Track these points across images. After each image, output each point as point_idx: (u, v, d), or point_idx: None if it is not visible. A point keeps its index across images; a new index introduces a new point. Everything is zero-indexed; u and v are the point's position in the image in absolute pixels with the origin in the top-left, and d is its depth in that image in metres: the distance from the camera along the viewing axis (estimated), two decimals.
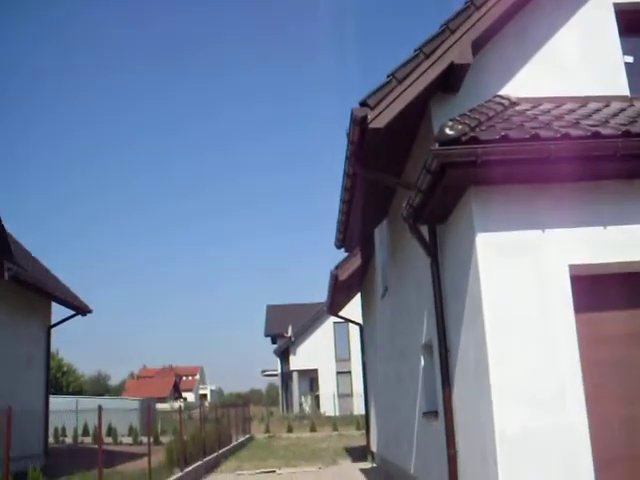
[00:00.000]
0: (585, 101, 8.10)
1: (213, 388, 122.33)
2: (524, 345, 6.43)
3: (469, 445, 7.43)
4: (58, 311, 21.36)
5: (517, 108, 7.87)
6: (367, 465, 18.78)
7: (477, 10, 8.01)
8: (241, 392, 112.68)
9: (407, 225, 8.02)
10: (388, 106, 7.68)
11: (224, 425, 26.09)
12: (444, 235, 8.08)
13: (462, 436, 7.72)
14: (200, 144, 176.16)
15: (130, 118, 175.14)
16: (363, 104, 7.68)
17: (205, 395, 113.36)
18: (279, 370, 59.10)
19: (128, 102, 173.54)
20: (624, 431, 6.63)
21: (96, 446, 12.35)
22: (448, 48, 7.85)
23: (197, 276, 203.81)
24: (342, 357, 51.46)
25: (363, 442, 22.52)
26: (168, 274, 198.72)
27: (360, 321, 20.97)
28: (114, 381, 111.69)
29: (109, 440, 30.01)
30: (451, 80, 8.11)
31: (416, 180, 7.05)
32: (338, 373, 51.95)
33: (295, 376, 53.41)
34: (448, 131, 6.38)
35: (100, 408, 11.64)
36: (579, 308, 6.58)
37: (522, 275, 6.59)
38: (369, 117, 7.63)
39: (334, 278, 17.05)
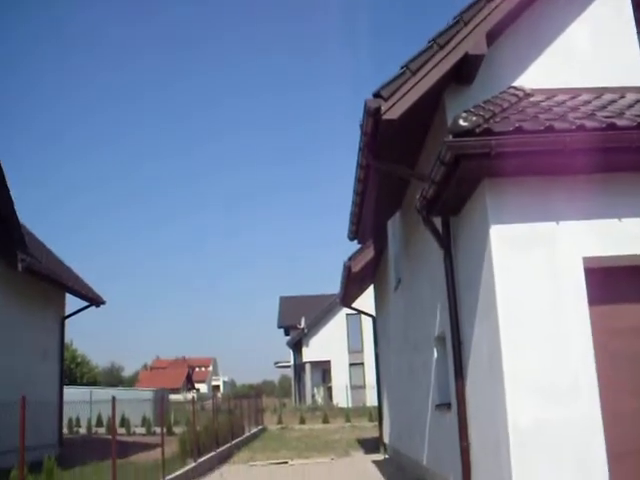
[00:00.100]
0: (600, 92, 8.03)
1: (226, 379, 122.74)
2: (538, 337, 6.42)
3: (482, 437, 7.43)
4: (72, 302, 21.51)
5: (531, 99, 7.82)
6: (379, 457, 18.80)
7: (491, 1, 7.96)
8: (254, 383, 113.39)
9: (420, 217, 8.01)
10: (402, 97, 7.65)
11: (237, 416, 26.18)
12: (457, 227, 8.06)
13: (475, 428, 7.72)
14: (232, 125, 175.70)
15: (130, 111, 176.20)
16: (377, 95, 7.66)
17: (218, 386, 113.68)
18: (292, 361, 59.18)
19: (128, 95, 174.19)
20: (637, 424, 6.60)
21: (110, 437, 12.42)
22: (462, 39, 7.82)
23: (211, 268, 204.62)
24: (355, 349, 51.55)
25: (376, 434, 22.55)
26: (184, 265, 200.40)
27: (373, 313, 20.97)
28: (127, 372, 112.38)
29: (122, 431, 30.17)
30: (465, 71, 8.07)
31: (430, 172, 7.03)
32: (351, 365, 52.06)
33: (308, 367, 53.50)
34: (462, 123, 6.36)
35: (114, 399, 11.69)
36: (593, 300, 6.55)
37: (536, 267, 6.56)
38: (383, 108, 7.61)
39: (347, 270, 17.03)
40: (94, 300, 21.54)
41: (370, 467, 16.53)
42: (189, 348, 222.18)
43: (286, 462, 18.38)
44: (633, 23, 8.61)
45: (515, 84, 8.30)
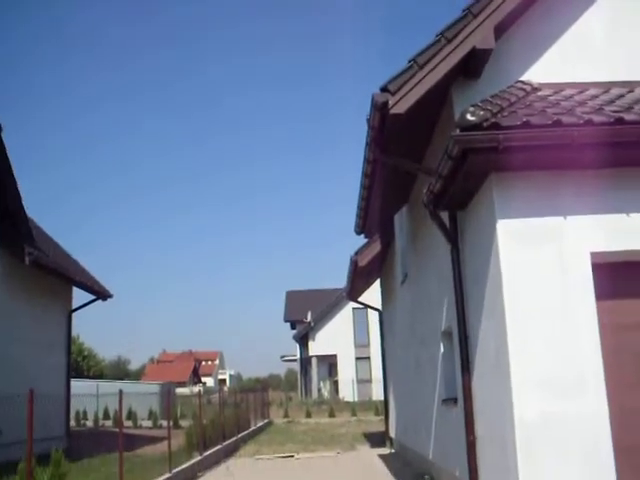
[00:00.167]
0: (608, 87, 8.00)
1: (232, 373, 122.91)
2: (545, 332, 6.41)
3: (488, 431, 7.43)
4: (79, 295, 21.58)
5: (539, 94, 7.80)
6: (385, 451, 18.82)
7: None
8: (260, 377, 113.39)
9: (427, 211, 8.00)
10: (409, 92, 7.64)
11: (243, 410, 26.22)
12: (465, 221, 8.05)
13: (481, 422, 7.73)
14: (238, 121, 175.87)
15: (132, 106, 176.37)
16: (384, 89, 7.65)
17: (224, 380, 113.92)
18: (298, 355, 59.28)
19: (130, 90, 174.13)
20: None
21: (116, 429, 12.47)
22: (470, 33, 7.80)
23: (218, 261, 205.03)
24: (361, 343, 51.56)
25: (382, 428, 22.57)
26: (190, 259, 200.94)
27: (379, 307, 20.97)
28: (134, 365, 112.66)
29: (129, 424, 30.31)
30: (473, 65, 8.05)
31: (437, 166, 7.02)
32: (357, 359, 52.06)
33: (314, 361, 53.56)
34: (469, 117, 6.35)
35: (121, 392, 11.73)
36: (600, 295, 6.54)
37: (543, 262, 6.55)
38: (390, 102, 7.60)
39: (354, 264, 17.02)
40: (101, 293, 21.61)
41: (376, 461, 16.55)
42: (196, 342, 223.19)
43: (292, 456, 18.43)
44: None
45: (523, 78, 8.27)
